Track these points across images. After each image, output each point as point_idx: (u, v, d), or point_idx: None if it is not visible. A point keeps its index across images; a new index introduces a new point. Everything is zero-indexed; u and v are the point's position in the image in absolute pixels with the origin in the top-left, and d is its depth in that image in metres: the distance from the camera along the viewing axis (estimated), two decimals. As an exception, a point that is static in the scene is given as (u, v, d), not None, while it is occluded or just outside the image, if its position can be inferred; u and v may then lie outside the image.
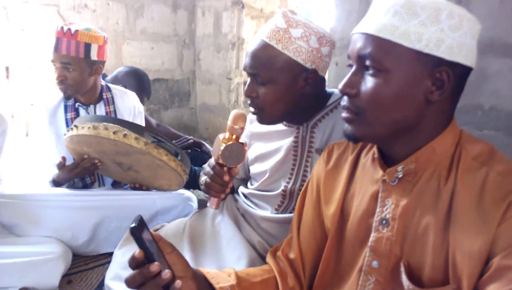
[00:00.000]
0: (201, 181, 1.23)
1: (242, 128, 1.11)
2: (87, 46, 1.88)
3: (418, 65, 0.74)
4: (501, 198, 0.71)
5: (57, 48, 1.85)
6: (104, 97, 2.07)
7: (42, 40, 3.17)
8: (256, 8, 3.73)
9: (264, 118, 1.25)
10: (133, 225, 0.73)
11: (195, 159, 2.58)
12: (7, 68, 3.08)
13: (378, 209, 0.85)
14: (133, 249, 1.12)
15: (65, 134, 1.74)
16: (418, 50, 0.73)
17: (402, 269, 0.79)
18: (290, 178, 1.30)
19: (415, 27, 0.73)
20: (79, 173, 1.83)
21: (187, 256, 1.31)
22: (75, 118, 1.98)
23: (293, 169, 1.30)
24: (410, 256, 0.80)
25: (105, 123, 1.61)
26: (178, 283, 0.74)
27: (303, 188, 1.08)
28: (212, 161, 1.16)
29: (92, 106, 2.04)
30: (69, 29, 1.84)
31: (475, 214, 0.72)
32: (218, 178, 1.12)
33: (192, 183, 2.24)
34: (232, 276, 0.93)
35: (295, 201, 1.28)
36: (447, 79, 0.74)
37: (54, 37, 1.87)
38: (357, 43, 0.80)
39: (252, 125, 1.42)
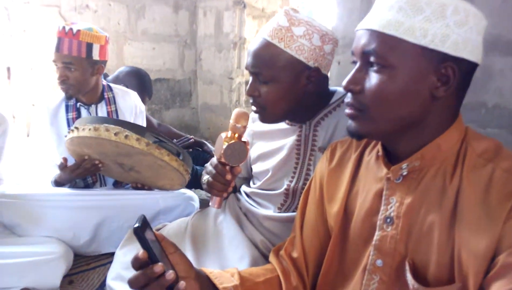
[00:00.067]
0: (203, 180, 1.23)
1: (245, 127, 1.10)
2: (89, 46, 1.87)
3: (423, 61, 0.73)
4: (507, 195, 0.70)
5: (58, 48, 1.85)
6: (106, 96, 2.07)
7: (44, 40, 3.16)
8: (257, 8, 3.73)
9: (267, 117, 1.24)
10: (136, 225, 0.72)
11: (197, 158, 2.57)
12: (8, 69, 3.08)
13: (382, 207, 0.84)
14: (134, 249, 1.11)
15: (66, 136, 1.73)
16: (423, 45, 0.72)
17: (407, 267, 0.78)
18: (293, 177, 1.29)
19: (420, 22, 0.72)
20: (80, 174, 1.82)
21: (189, 255, 1.30)
22: (76, 118, 1.98)
23: (296, 168, 1.29)
24: (415, 255, 0.79)
25: (106, 125, 1.60)
26: (182, 284, 0.73)
27: (306, 187, 1.07)
28: (214, 160, 1.15)
29: (93, 106, 2.03)
30: (71, 29, 1.83)
31: (480, 211, 0.72)
32: (220, 177, 1.12)
33: (194, 183, 2.23)
34: (235, 276, 0.93)
35: (298, 200, 1.27)
36: (452, 75, 0.73)
37: (55, 37, 1.87)
38: (362, 39, 0.79)
39: (255, 124, 1.42)
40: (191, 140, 2.78)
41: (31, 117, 2.28)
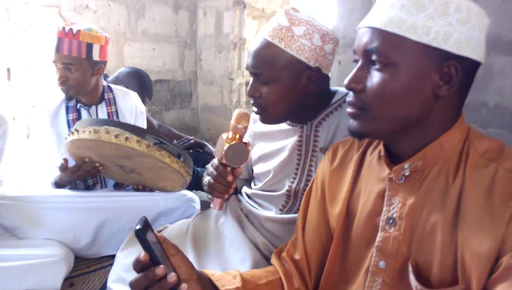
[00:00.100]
0: (204, 181, 1.22)
1: (246, 128, 1.10)
2: (89, 46, 1.87)
3: (425, 59, 0.73)
4: (511, 195, 0.70)
5: (58, 49, 1.84)
6: (106, 97, 2.06)
7: (44, 41, 3.16)
8: (257, 8, 3.72)
9: (268, 117, 1.23)
10: (138, 227, 0.71)
11: (197, 160, 2.57)
12: (8, 70, 3.08)
13: (384, 208, 0.84)
14: (135, 251, 1.11)
15: (66, 138, 1.72)
16: (426, 43, 0.72)
17: (410, 269, 0.78)
18: (294, 178, 1.29)
19: (423, 20, 0.72)
20: (81, 176, 1.82)
21: (191, 257, 1.30)
22: (76, 119, 1.97)
23: (297, 169, 1.28)
24: (417, 256, 0.78)
25: (106, 127, 1.59)
26: (184, 286, 0.73)
27: (307, 188, 1.07)
28: (215, 161, 1.15)
29: (93, 107, 2.02)
30: (71, 29, 1.83)
31: (483, 211, 0.71)
32: (221, 179, 1.12)
33: (194, 184, 2.23)
34: (237, 279, 0.92)
35: (299, 201, 1.26)
36: (455, 74, 0.73)
37: (55, 37, 1.86)
38: (363, 37, 0.78)
39: (255, 124, 1.41)
40: (191, 141, 2.77)
41: (31, 119, 2.28)
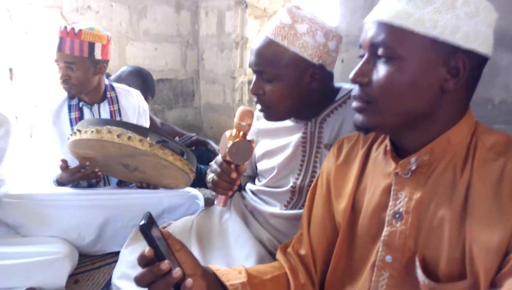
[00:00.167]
0: (208, 178, 1.22)
1: (249, 125, 1.09)
2: (91, 45, 1.87)
3: (433, 52, 0.72)
4: None
5: (60, 48, 1.84)
6: (108, 96, 2.06)
7: (46, 42, 3.16)
8: (259, 8, 3.72)
9: (272, 115, 1.23)
10: (142, 222, 0.71)
11: (201, 157, 2.57)
12: (10, 70, 3.08)
13: (391, 203, 0.83)
14: (140, 248, 1.11)
15: (68, 138, 1.72)
16: (433, 37, 0.71)
17: (417, 263, 0.77)
18: (299, 174, 1.28)
19: (430, 13, 0.71)
20: (81, 177, 1.83)
21: (195, 254, 1.28)
22: (79, 117, 1.97)
23: (301, 165, 1.28)
24: (425, 250, 0.78)
25: (109, 126, 1.59)
26: (189, 281, 0.72)
27: (313, 184, 1.06)
28: (219, 158, 1.14)
29: (96, 106, 2.03)
30: (73, 29, 1.83)
31: (492, 206, 0.70)
32: (225, 176, 1.11)
33: (198, 182, 2.23)
34: (242, 274, 0.92)
35: (304, 198, 1.26)
36: (462, 67, 0.72)
37: (57, 37, 1.86)
38: (370, 31, 0.78)
39: (259, 121, 1.41)
40: (194, 137, 2.77)
41: (34, 118, 2.28)
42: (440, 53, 0.72)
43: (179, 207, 1.92)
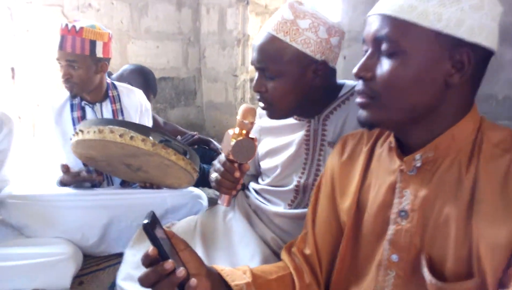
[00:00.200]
0: (211, 178, 1.21)
1: (252, 123, 1.08)
2: (92, 43, 1.86)
3: (437, 46, 0.71)
4: None
5: (62, 46, 1.83)
6: (110, 95, 2.05)
7: (47, 40, 3.15)
8: (260, 5, 3.71)
9: (274, 112, 1.22)
10: (145, 221, 0.71)
11: (203, 156, 2.56)
12: (12, 69, 3.07)
13: (396, 201, 0.82)
14: (144, 249, 1.10)
15: (70, 139, 1.72)
16: (438, 30, 0.70)
17: (424, 262, 0.76)
18: (302, 173, 1.28)
19: (434, 7, 0.70)
20: (82, 180, 1.82)
21: (199, 253, 1.28)
22: (81, 116, 1.97)
23: (305, 164, 1.27)
24: (431, 249, 0.77)
25: (111, 126, 1.58)
26: (193, 281, 0.72)
27: (317, 182, 1.05)
28: (222, 157, 1.13)
29: (98, 105, 2.02)
30: (74, 26, 1.82)
31: (499, 202, 0.70)
32: (228, 175, 1.10)
33: (201, 181, 2.22)
34: (247, 274, 0.91)
35: (308, 196, 1.25)
36: (467, 61, 0.71)
37: (58, 35, 1.85)
38: (373, 25, 0.77)
39: (262, 119, 1.40)
40: (196, 136, 2.76)
41: (36, 118, 2.27)
42: (444, 46, 0.71)
43: (183, 207, 1.91)
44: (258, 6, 3.68)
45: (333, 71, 1.21)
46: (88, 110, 2.00)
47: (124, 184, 2.08)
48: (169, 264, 0.70)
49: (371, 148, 0.94)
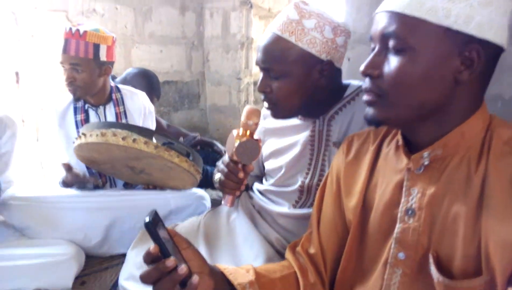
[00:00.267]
0: (215, 179, 1.20)
1: (256, 124, 1.08)
2: (96, 47, 1.86)
3: (446, 42, 0.70)
4: None
5: (65, 49, 1.84)
6: (114, 98, 2.05)
7: (52, 45, 3.17)
8: (264, 8, 3.71)
9: (279, 113, 1.21)
10: (147, 219, 0.70)
11: (207, 158, 2.56)
12: (17, 73, 3.09)
13: (403, 199, 0.81)
14: (147, 249, 1.10)
15: (73, 142, 1.72)
16: (447, 26, 0.69)
17: (431, 260, 0.75)
18: (307, 173, 1.27)
19: (443, 2, 0.69)
20: (83, 182, 1.82)
21: (203, 254, 1.27)
22: (85, 120, 1.97)
23: (310, 164, 1.26)
24: (439, 247, 0.76)
25: (113, 129, 1.58)
26: (195, 278, 0.71)
27: (322, 182, 1.04)
28: (226, 158, 1.13)
29: (101, 108, 2.02)
30: (78, 30, 1.83)
31: (508, 200, 0.68)
32: (232, 176, 1.10)
33: (204, 183, 2.21)
34: (250, 272, 0.90)
35: (313, 197, 1.24)
36: (477, 58, 0.70)
37: (62, 38, 1.86)
38: (381, 22, 0.76)
39: (266, 120, 1.39)
40: (197, 137, 2.76)
41: (40, 122, 2.28)
42: (453, 43, 0.70)
43: (186, 208, 1.91)
44: (261, 9, 3.69)
45: (338, 71, 1.20)
46: (92, 113, 2.01)
47: (127, 186, 2.08)
48: (170, 261, 0.69)
49: (377, 147, 0.93)
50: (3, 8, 2.90)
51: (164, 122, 2.89)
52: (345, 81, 1.26)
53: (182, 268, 0.70)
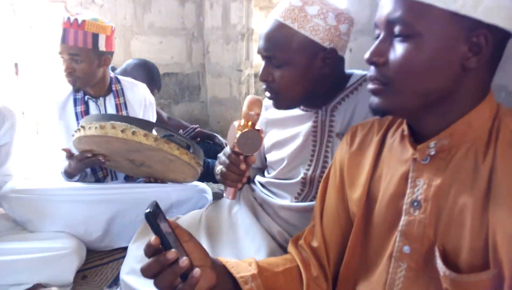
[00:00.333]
0: (216, 170, 1.18)
1: (258, 114, 1.06)
2: (95, 37, 1.84)
3: (453, 28, 0.68)
4: None
5: (64, 39, 1.81)
6: (114, 89, 2.03)
7: (50, 36, 3.15)
8: (264, -1, 3.69)
9: (281, 102, 1.19)
10: (148, 210, 0.68)
11: (208, 151, 2.54)
12: (16, 65, 3.07)
13: (408, 191, 0.79)
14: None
15: (73, 135, 1.70)
16: (454, 11, 0.67)
17: (437, 253, 0.73)
18: (310, 165, 1.25)
19: None
20: (88, 164, 1.79)
21: (205, 247, 1.27)
22: (85, 111, 1.95)
23: (312, 156, 1.24)
24: (445, 240, 0.74)
25: (112, 122, 1.56)
26: (196, 271, 0.69)
27: (325, 174, 1.02)
28: (227, 150, 1.11)
29: (101, 99, 2.00)
30: (76, 20, 1.80)
31: None
32: (234, 167, 1.08)
33: (205, 176, 2.20)
34: (253, 265, 0.89)
35: (315, 189, 1.22)
36: (485, 43, 0.68)
37: (61, 28, 1.83)
38: (386, 8, 0.73)
39: (268, 111, 1.37)
40: (197, 129, 2.75)
41: (40, 114, 2.26)
42: (461, 29, 0.68)
43: (188, 201, 1.90)
44: (261, 0, 3.66)
45: (341, 60, 1.18)
46: (92, 104, 1.99)
47: (128, 179, 2.07)
48: (171, 253, 0.67)
49: (382, 137, 0.90)
50: (1, -1, 2.87)
51: (164, 115, 2.87)
52: (348, 70, 1.24)
53: (184, 261, 0.68)
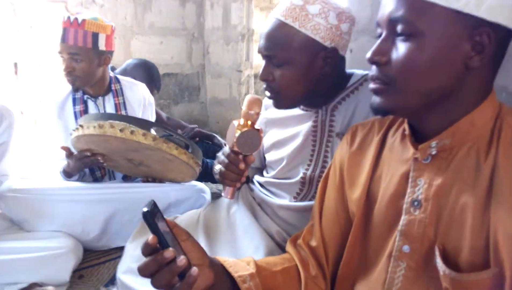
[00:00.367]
0: (215, 170, 1.18)
1: (258, 114, 1.05)
2: (95, 36, 1.83)
3: (456, 26, 0.67)
4: None
5: (64, 38, 1.81)
6: (113, 88, 2.03)
7: (50, 36, 3.14)
8: (265, -1, 3.69)
9: (281, 102, 1.18)
10: (145, 209, 0.67)
11: (207, 151, 2.54)
12: (15, 64, 3.06)
13: (409, 190, 0.78)
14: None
15: (71, 134, 1.69)
16: (457, 9, 0.66)
17: (437, 253, 0.73)
18: (309, 165, 1.24)
19: None
20: (87, 163, 1.78)
21: (203, 246, 1.26)
22: (84, 110, 1.95)
23: (312, 155, 1.24)
24: (445, 239, 0.73)
25: (111, 121, 1.56)
26: (194, 270, 0.69)
27: (324, 173, 1.02)
28: (226, 149, 1.10)
29: (101, 98, 2.00)
30: (76, 19, 1.80)
31: None
32: (233, 167, 1.07)
33: (204, 176, 2.20)
34: (251, 265, 0.88)
35: (314, 189, 1.22)
36: (488, 42, 0.67)
37: (61, 28, 1.83)
38: (388, 6, 0.73)
39: (267, 111, 1.36)
40: (196, 129, 2.75)
41: (39, 113, 2.26)
42: (464, 27, 0.67)
43: (186, 200, 1.90)
44: (262, 1, 3.67)
45: (342, 60, 1.18)
46: (91, 104, 1.98)
47: (126, 178, 2.06)
48: (169, 252, 0.67)
49: (382, 137, 0.90)
50: (2, -2, 2.87)
51: (164, 115, 2.87)
52: (348, 70, 1.23)
53: (181, 260, 0.67)
